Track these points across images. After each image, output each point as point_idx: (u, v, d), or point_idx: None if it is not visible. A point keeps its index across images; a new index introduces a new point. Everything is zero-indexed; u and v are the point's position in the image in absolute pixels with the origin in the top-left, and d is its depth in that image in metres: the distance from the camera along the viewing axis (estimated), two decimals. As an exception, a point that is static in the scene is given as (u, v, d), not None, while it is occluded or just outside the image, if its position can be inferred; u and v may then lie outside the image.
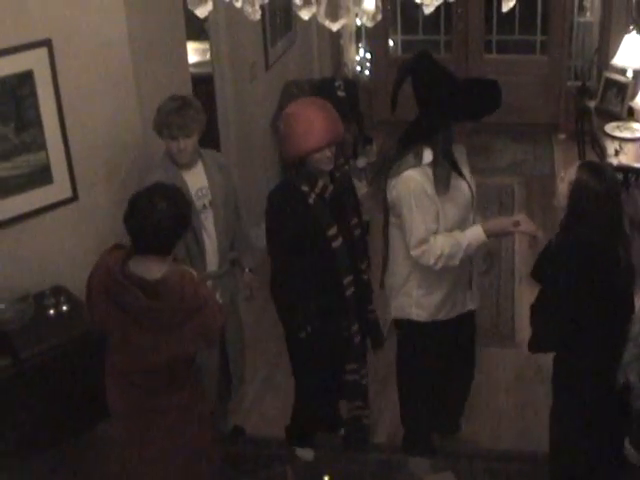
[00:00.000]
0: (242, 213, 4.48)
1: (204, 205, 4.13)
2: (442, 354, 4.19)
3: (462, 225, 3.89)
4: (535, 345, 3.55)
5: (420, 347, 4.16)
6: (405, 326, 4.14)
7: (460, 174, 3.86)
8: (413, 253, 3.86)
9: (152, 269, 3.22)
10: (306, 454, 4.57)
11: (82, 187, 4.52)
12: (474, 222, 3.97)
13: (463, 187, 3.88)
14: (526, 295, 5.95)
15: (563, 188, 3.50)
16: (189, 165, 4.10)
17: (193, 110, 4.00)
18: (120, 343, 3.34)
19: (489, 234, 3.83)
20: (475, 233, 3.82)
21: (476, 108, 3.70)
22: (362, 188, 6.31)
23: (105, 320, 3.34)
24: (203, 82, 6.66)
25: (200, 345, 3.33)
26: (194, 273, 3.39)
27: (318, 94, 7.57)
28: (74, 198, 4.50)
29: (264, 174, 6.82)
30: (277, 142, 7.01)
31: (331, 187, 3.94)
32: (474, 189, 3.96)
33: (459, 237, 3.81)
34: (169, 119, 3.96)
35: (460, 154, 3.93)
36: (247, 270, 4.50)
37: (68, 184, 4.45)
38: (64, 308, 4.26)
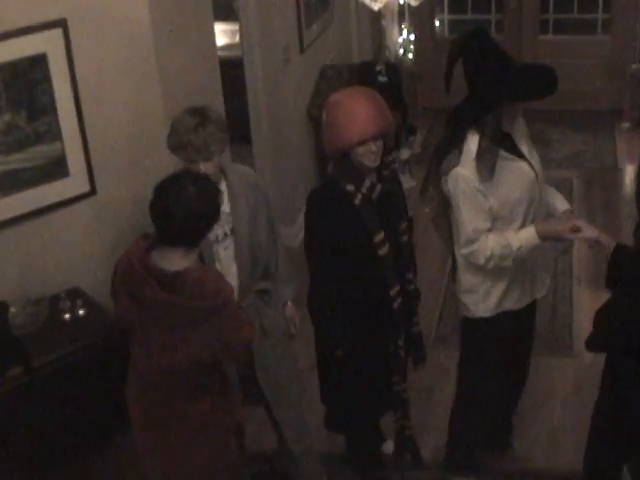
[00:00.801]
0: (278, 238, 4.21)
1: (225, 233, 3.89)
2: (508, 352, 4.17)
3: (529, 209, 3.87)
4: (592, 343, 3.53)
5: (488, 345, 4.14)
6: (473, 325, 4.13)
7: (519, 155, 3.82)
8: (462, 251, 3.89)
9: (174, 261, 3.22)
10: None
11: (101, 180, 4.52)
12: (542, 204, 3.96)
13: (523, 168, 3.83)
14: (585, 299, 5.89)
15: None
16: None
17: (214, 127, 3.72)
18: (140, 341, 3.35)
19: (543, 238, 3.80)
20: (528, 235, 3.80)
21: (529, 91, 3.67)
22: (406, 182, 6.26)
23: (125, 315, 3.36)
24: (232, 66, 6.66)
25: (219, 353, 3.30)
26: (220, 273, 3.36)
27: (357, 79, 7.55)
28: (92, 192, 4.50)
29: (299, 167, 6.80)
30: (313, 132, 7.00)
31: (379, 187, 3.87)
32: (538, 168, 3.91)
33: (511, 238, 3.80)
34: (185, 139, 3.71)
35: (521, 131, 3.90)
36: (289, 303, 4.25)
37: (85, 177, 4.44)
38: (81, 312, 4.26)
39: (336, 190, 3.86)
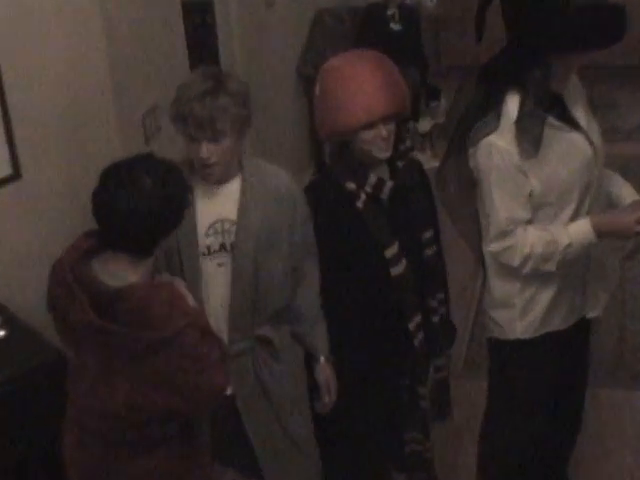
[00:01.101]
0: (313, 272, 3.97)
1: (222, 246, 3.75)
2: (554, 384, 4.14)
3: (584, 196, 3.81)
4: None
5: (526, 375, 4.10)
6: (507, 348, 4.09)
7: (573, 124, 3.78)
8: (491, 248, 3.80)
9: (118, 274, 3.19)
10: None
11: (27, 161, 4.50)
12: (601, 191, 3.92)
13: (578, 142, 3.78)
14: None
15: None
16: (217, 181, 3.72)
17: (229, 100, 3.55)
18: (75, 372, 3.35)
19: (601, 233, 3.72)
20: (581, 229, 3.72)
21: (587, 37, 3.60)
22: (426, 162, 6.29)
23: (60, 337, 3.35)
24: (198, 10, 6.66)
25: (173, 402, 3.24)
26: (183, 290, 3.32)
27: (363, 28, 7.58)
28: (16, 176, 4.49)
29: (287, 144, 6.80)
30: (305, 96, 7.02)
31: (390, 184, 3.84)
32: (598, 141, 3.86)
33: (557, 233, 3.73)
34: (187, 109, 3.54)
35: (576, 93, 3.87)
36: (322, 360, 4.01)
37: (7, 156, 4.43)
38: (1, 333, 4.25)
39: (332, 189, 3.84)
